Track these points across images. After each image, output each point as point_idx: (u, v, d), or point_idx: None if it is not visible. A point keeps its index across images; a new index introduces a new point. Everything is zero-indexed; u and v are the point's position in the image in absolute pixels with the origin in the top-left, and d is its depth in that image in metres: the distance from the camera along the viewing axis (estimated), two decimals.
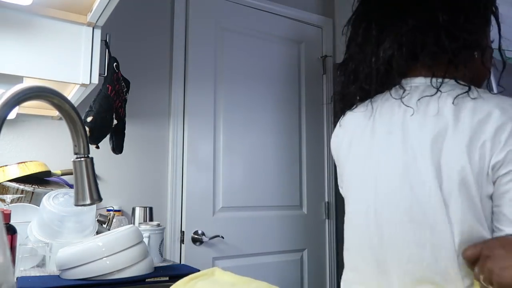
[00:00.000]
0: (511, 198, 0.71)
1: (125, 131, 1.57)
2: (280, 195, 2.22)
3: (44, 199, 1.32)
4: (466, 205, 0.73)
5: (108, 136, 1.47)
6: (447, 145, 0.75)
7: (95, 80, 1.15)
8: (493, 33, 0.88)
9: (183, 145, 1.99)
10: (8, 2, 1.00)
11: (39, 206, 1.34)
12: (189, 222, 1.94)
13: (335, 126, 1.02)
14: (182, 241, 1.93)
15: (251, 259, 2.09)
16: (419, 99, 0.82)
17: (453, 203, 0.73)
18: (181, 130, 1.99)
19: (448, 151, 0.75)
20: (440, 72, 0.82)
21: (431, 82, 0.82)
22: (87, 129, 1.21)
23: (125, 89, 1.58)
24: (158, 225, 1.48)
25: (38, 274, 1.22)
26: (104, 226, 1.51)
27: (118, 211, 1.76)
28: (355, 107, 0.95)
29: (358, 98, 0.94)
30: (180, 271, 1.25)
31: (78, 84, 1.14)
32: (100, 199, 0.68)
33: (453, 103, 0.77)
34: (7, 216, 1.09)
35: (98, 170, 1.78)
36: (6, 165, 1.46)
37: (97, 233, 1.39)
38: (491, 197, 0.74)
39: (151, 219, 1.67)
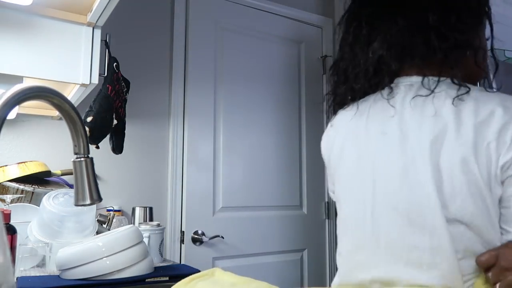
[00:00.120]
0: None
1: (125, 131, 1.57)
2: (280, 195, 2.22)
3: (44, 199, 1.32)
4: (474, 207, 0.70)
5: (108, 136, 1.47)
6: (448, 146, 0.73)
7: (95, 80, 1.15)
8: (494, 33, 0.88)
9: (183, 145, 1.99)
10: (8, 2, 1.00)
11: (39, 206, 1.34)
12: (189, 222, 1.94)
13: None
14: (182, 241, 1.93)
15: (251, 259, 2.09)
16: (413, 98, 0.80)
17: (458, 205, 0.71)
18: (181, 130, 1.99)
19: (450, 153, 0.73)
20: (432, 72, 0.81)
21: (422, 81, 0.81)
22: (87, 129, 1.21)
23: (125, 89, 1.58)
24: (158, 225, 1.48)
25: (38, 274, 1.22)
26: (104, 226, 1.51)
27: (118, 211, 1.76)
28: (347, 107, 0.93)
29: (349, 98, 0.92)
30: (180, 271, 1.25)
31: (78, 84, 1.14)
32: (100, 199, 0.68)
33: (452, 103, 0.75)
34: (7, 216, 1.09)
35: (98, 170, 1.78)
36: (6, 165, 1.46)
37: (97, 233, 1.39)
38: (499, 199, 0.72)
39: (151, 219, 1.67)
